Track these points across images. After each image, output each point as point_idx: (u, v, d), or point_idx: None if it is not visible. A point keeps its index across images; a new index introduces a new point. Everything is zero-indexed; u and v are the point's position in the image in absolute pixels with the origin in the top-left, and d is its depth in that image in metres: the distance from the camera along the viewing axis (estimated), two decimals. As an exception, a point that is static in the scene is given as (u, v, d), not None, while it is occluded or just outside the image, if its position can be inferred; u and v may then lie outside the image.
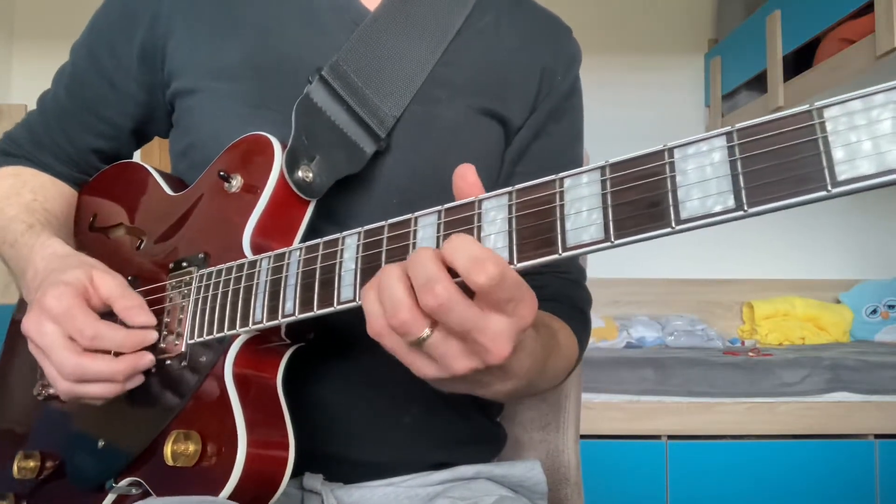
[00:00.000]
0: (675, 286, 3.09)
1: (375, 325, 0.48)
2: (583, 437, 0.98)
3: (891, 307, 2.95)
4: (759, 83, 2.67)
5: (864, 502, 2.23)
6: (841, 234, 3.10)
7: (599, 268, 2.63)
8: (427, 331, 0.47)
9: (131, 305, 0.65)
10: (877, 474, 2.24)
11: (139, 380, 0.65)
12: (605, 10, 3.16)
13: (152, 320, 0.66)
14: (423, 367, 0.49)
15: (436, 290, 0.44)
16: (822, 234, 3.10)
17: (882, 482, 2.23)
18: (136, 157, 0.87)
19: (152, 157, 2.68)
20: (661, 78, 3.16)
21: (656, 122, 3.10)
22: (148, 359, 0.65)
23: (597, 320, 2.80)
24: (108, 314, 0.66)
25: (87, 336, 0.62)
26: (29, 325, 0.63)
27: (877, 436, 2.26)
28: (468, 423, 0.79)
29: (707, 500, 2.24)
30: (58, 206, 0.82)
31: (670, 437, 2.27)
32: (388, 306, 0.47)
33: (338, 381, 0.72)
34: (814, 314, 2.96)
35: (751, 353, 2.50)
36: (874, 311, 2.97)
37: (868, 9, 2.01)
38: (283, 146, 0.67)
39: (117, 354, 0.64)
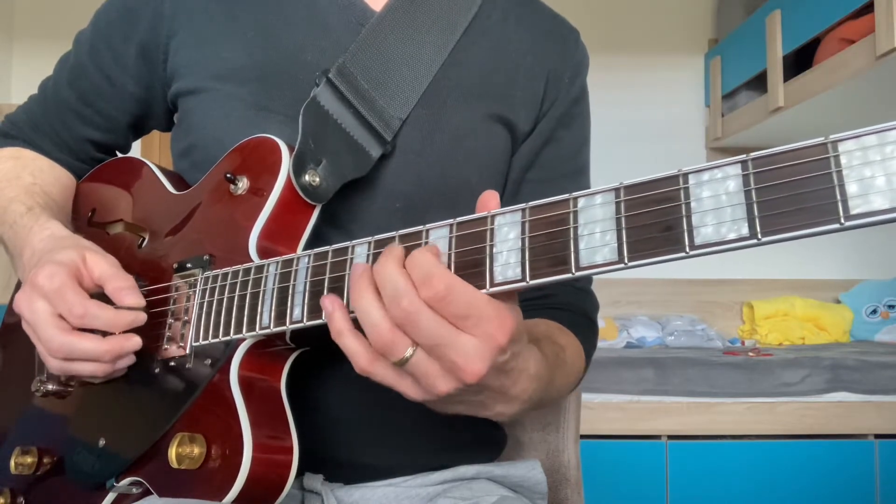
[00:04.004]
0: (675, 286, 3.09)
1: (361, 362, 0.51)
2: (583, 437, 0.98)
3: (891, 307, 2.95)
4: (759, 83, 2.67)
5: (864, 502, 2.23)
6: (841, 235, 3.08)
7: (600, 268, 2.63)
8: (410, 350, 0.48)
9: (122, 287, 0.66)
10: (877, 474, 2.24)
11: (129, 361, 0.66)
12: (605, 10, 3.16)
13: (142, 302, 0.66)
14: (409, 391, 0.51)
15: (402, 303, 0.47)
16: (822, 235, 3.10)
17: (882, 482, 2.24)
18: (137, 152, 0.88)
19: (152, 153, 2.68)
20: (661, 78, 3.16)
21: (656, 122, 3.10)
22: (135, 341, 0.65)
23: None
24: (100, 296, 0.66)
25: (76, 314, 0.62)
26: (20, 301, 0.64)
27: (877, 436, 2.26)
28: (469, 427, 0.79)
29: (707, 500, 2.24)
30: (57, 190, 0.82)
31: (670, 437, 2.28)
32: (369, 329, 0.49)
33: (339, 384, 0.72)
34: (814, 314, 2.96)
35: (751, 353, 2.51)
36: (874, 311, 2.97)
37: (868, 9, 2.01)
38: (290, 149, 0.67)
39: (106, 335, 0.64)
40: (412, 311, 0.47)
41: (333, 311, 0.52)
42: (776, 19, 2.49)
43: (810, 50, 2.35)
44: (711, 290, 3.10)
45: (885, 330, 2.92)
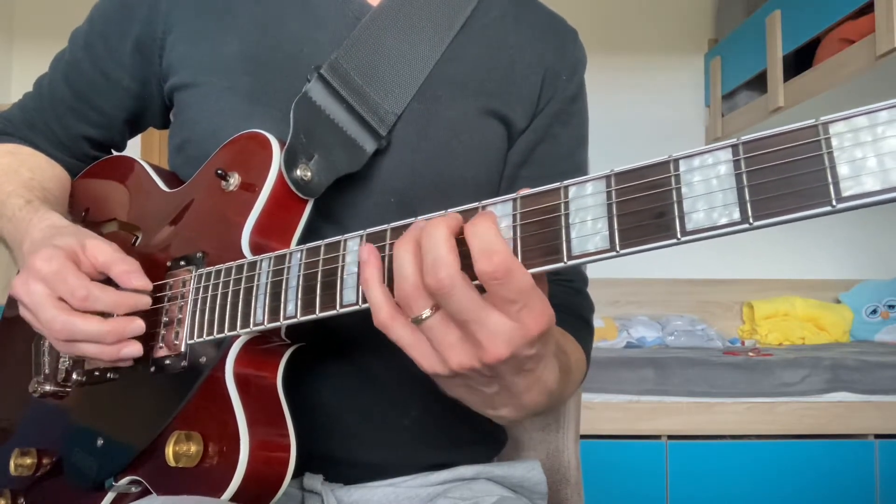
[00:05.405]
0: (675, 286, 3.09)
1: (381, 315, 0.49)
2: (583, 437, 0.98)
3: (891, 307, 2.95)
4: (759, 83, 2.67)
5: (864, 502, 2.23)
6: (841, 234, 3.11)
7: (599, 268, 2.64)
8: (428, 311, 0.47)
9: (128, 269, 0.65)
10: (877, 474, 2.24)
11: (135, 350, 0.65)
12: (605, 10, 3.16)
13: (148, 285, 0.66)
14: (423, 357, 0.50)
15: (439, 273, 0.45)
16: (822, 234, 3.11)
17: (882, 482, 2.24)
18: (137, 151, 0.88)
19: (152, 152, 2.68)
20: (661, 78, 3.16)
21: (656, 122, 3.11)
22: (137, 324, 0.65)
23: (597, 320, 2.78)
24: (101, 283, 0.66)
25: (78, 296, 0.62)
26: (17, 286, 0.64)
27: (877, 436, 2.26)
28: (468, 425, 0.79)
29: (707, 500, 2.24)
30: (54, 185, 0.82)
31: (670, 437, 2.28)
32: (397, 279, 0.48)
33: (338, 381, 0.72)
34: (814, 314, 2.96)
35: (751, 353, 2.51)
36: (874, 311, 2.97)
37: (868, 9, 2.01)
38: (282, 144, 0.67)
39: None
40: (447, 284, 0.45)
41: (368, 259, 0.50)
42: (776, 19, 2.49)
43: (810, 50, 2.35)
44: (711, 290, 3.10)
45: (885, 330, 2.92)
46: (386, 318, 0.49)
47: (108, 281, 0.66)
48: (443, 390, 0.54)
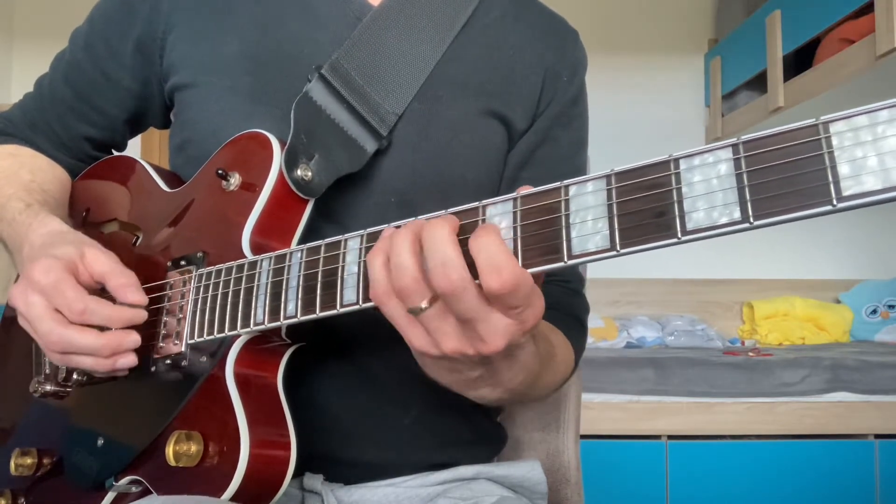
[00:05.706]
0: (675, 286, 3.09)
1: (378, 290, 0.49)
2: (583, 437, 0.98)
3: (891, 307, 2.95)
4: (759, 83, 2.67)
5: (864, 502, 2.23)
6: (841, 234, 3.11)
7: (599, 268, 2.63)
8: (425, 303, 0.48)
9: (125, 283, 0.65)
10: (877, 474, 2.24)
11: (130, 361, 0.65)
12: (605, 10, 3.16)
13: (144, 299, 0.66)
14: (415, 339, 0.50)
15: (451, 276, 0.45)
16: (822, 234, 3.11)
17: (882, 482, 2.24)
18: (137, 151, 0.88)
19: (153, 152, 2.68)
20: (661, 78, 3.16)
21: (656, 122, 3.11)
22: (133, 337, 0.65)
23: (597, 320, 2.80)
24: (98, 292, 0.66)
25: (75, 311, 0.62)
26: (15, 295, 0.64)
27: (877, 436, 2.26)
28: (468, 424, 0.79)
29: (707, 500, 2.24)
30: (55, 187, 0.82)
31: (670, 437, 2.28)
32: (395, 270, 0.48)
33: (338, 381, 0.72)
34: (814, 314, 2.96)
35: (751, 353, 2.51)
36: (874, 311, 2.97)
37: (868, 9, 2.01)
38: (282, 144, 0.67)
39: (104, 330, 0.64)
40: (459, 287, 0.45)
41: (392, 235, 0.50)
42: (776, 19, 2.49)
43: (810, 50, 2.35)
44: (711, 290, 3.10)
45: (885, 330, 2.92)
46: (383, 293, 0.49)
47: (105, 290, 0.66)
48: (422, 370, 0.55)
